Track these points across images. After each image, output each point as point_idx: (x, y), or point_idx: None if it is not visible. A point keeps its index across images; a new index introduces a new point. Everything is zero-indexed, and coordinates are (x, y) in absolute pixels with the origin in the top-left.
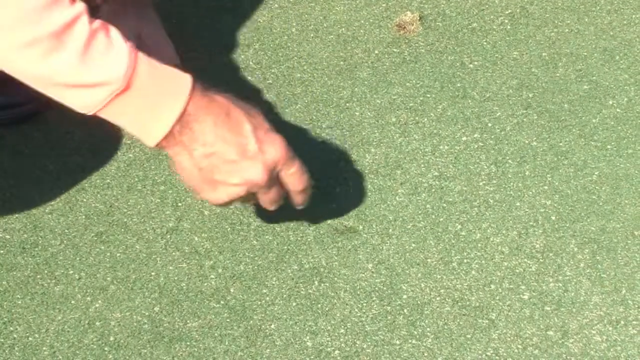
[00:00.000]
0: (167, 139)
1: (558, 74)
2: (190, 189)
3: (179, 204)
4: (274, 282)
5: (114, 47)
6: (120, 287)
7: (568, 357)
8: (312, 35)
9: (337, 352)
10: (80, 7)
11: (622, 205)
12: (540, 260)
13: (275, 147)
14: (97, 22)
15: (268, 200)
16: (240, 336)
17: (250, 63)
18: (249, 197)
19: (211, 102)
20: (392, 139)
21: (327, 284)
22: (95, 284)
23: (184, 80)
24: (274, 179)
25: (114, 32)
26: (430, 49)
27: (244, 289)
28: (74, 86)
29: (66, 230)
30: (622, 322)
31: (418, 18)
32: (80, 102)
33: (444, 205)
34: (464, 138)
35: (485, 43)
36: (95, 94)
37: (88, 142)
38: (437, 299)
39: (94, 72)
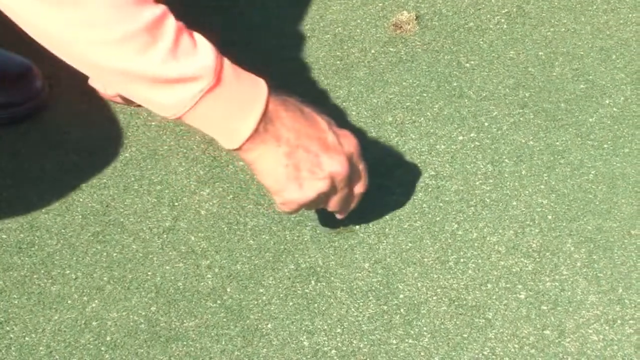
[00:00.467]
0: (252, 138)
1: (554, 73)
2: (272, 192)
3: (176, 204)
4: (270, 282)
5: (199, 43)
6: (116, 286)
7: (565, 357)
8: (308, 34)
9: (333, 351)
10: (164, 6)
11: (619, 205)
12: (537, 259)
13: (349, 140)
14: (177, 21)
15: (343, 199)
16: (237, 336)
17: (246, 63)
18: (326, 197)
19: (285, 100)
20: (389, 138)
21: (324, 284)
22: (92, 284)
23: (260, 80)
24: (353, 173)
25: (193, 32)
26: (427, 49)
27: (240, 288)
28: (166, 81)
29: (63, 230)
30: (619, 322)
31: (414, 17)
32: (170, 101)
33: (441, 204)
34: (461, 137)
35: (481, 42)
36: (187, 90)
37: (85, 142)
38: (434, 298)
39: (185, 65)
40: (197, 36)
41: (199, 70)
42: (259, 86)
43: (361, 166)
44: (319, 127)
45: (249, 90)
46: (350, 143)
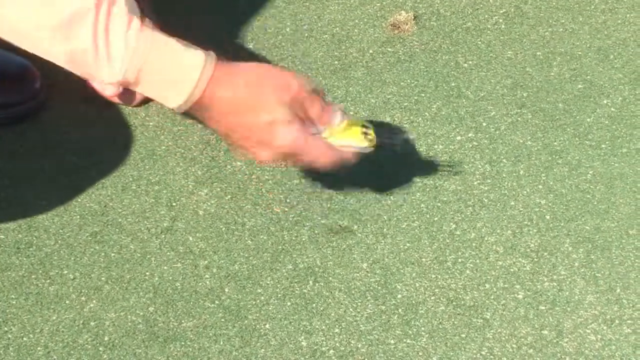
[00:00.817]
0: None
1: (552, 73)
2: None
3: (174, 204)
4: (268, 282)
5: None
6: (114, 287)
7: (563, 356)
8: (306, 34)
9: (331, 351)
10: None
11: (617, 205)
12: (535, 259)
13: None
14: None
15: (307, 162)
16: (235, 336)
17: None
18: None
19: (230, 73)
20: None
21: (322, 284)
22: (90, 284)
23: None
24: (297, 153)
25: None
26: (425, 49)
27: (238, 288)
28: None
29: (61, 230)
30: (617, 321)
31: (412, 17)
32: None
33: (439, 204)
34: (459, 137)
35: (479, 42)
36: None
37: (83, 143)
38: (432, 298)
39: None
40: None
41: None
42: (196, 60)
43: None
44: (257, 113)
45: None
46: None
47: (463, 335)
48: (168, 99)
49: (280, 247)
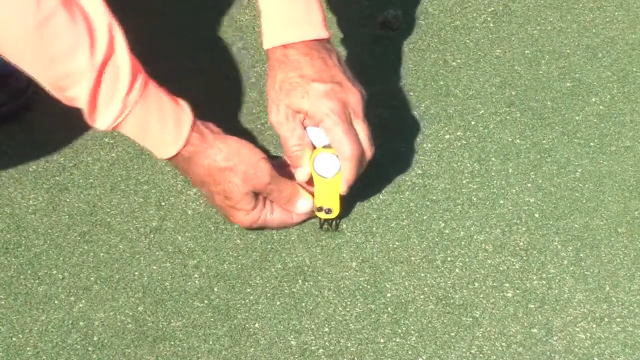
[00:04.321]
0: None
1: (541, 72)
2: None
3: (163, 204)
4: (257, 281)
5: (110, 103)
6: (103, 286)
7: (552, 355)
8: None
9: (321, 350)
10: (97, 59)
11: (606, 203)
12: (524, 257)
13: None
14: (111, 70)
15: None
16: (224, 335)
17: (237, 62)
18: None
19: (203, 146)
20: (375, 137)
21: (311, 283)
22: (79, 284)
23: (185, 120)
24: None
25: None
26: (413, 47)
27: (227, 288)
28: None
29: (49, 230)
30: (606, 319)
31: (401, 16)
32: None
33: (428, 203)
34: (447, 136)
35: (468, 41)
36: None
37: (71, 142)
38: (421, 297)
39: (88, 118)
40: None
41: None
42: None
43: (282, 194)
44: (220, 185)
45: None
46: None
47: (452, 334)
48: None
49: (269, 246)
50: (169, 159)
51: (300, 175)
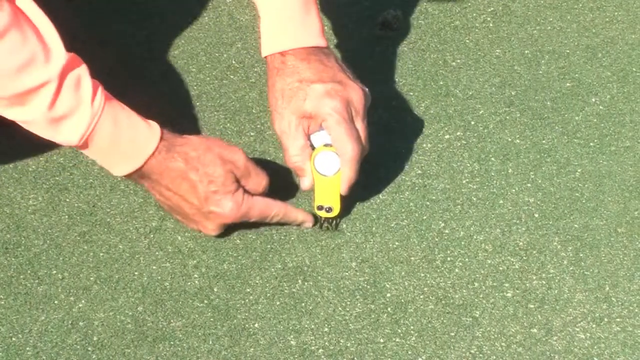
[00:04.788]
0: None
1: (540, 72)
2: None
3: None
4: (257, 281)
5: (76, 111)
6: (103, 286)
7: (552, 355)
8: None
9: (320, 350)
10: (54, 69)
11: (605, 203)
12: (524, 257)
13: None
14: (72, 78)
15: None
16: (224, 335)
17: (233, 62)
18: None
19: (170, 158)
20: (375, 137)
21: (311, 283)
22: (79, 284)
23: (153, 135)
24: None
25: (85, 90)
26: (413, 47)
27: (227, 288)
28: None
29: (49, 230)
30: (606, 320)
31: (400, 16)
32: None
33: (427, 203)
34: (447, 136)
35: (467, 41)
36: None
37: None
38: (421, 297)
39: (56, 135)
40: (83, 96)
41: (64, 140)
42: (141, 149)
43: (257, 208)
44: (201, 169)
45: (126, 151)
46: (221, 213)
47: (452, 334)
48: (113, 169)
49: (269, 246)
50: (145, 162)
51: (304, 184)
